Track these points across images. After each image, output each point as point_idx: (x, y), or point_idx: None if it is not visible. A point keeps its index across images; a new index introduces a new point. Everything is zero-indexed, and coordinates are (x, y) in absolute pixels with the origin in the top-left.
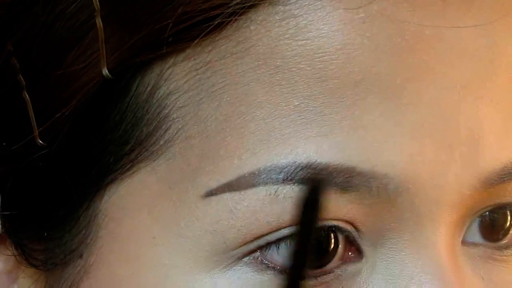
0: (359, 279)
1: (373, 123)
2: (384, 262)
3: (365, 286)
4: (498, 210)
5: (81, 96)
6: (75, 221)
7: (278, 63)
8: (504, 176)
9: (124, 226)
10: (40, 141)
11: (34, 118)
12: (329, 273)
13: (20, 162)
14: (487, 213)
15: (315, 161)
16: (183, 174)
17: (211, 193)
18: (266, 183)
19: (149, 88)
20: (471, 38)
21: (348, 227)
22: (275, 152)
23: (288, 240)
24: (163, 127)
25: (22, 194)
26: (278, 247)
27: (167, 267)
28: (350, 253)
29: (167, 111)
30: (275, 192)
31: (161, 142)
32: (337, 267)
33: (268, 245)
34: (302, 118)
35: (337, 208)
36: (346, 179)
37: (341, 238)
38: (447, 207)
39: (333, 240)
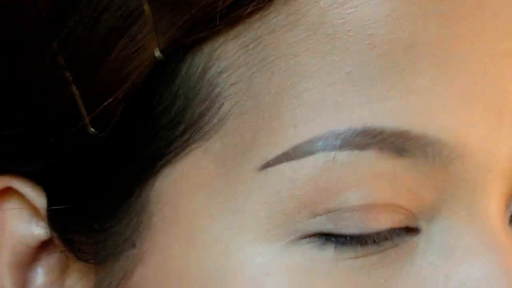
0: (415, 252)
1: (424, 88)
2: (439, 235)
3: (421, 259)
4: None
5: (132, 80)
6: (126, 210)
7: (328, 32)
8: None
9: (179, 209)
10: (92, 129)
11: (84, 108)
12: (387, 239)
13: (69, 155)
14: None
15: (370, 126)
16: (238, 150)
17: (268, 165)
18: (323, 150)
19: (200, 68)
20: None
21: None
22: (330, 119)
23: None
24: (216, 106)
25: (70, 188)
26: (337, 221)
27: (226, 243)
28: (407, 227)
29: (219, 89)
30: (333, 158)
31: (215, 121)
32: (394, 237)
33: (328, 235)
34: (355, 85)
35: (394, 175)
36: (402, 143)
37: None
38: (499, 176)
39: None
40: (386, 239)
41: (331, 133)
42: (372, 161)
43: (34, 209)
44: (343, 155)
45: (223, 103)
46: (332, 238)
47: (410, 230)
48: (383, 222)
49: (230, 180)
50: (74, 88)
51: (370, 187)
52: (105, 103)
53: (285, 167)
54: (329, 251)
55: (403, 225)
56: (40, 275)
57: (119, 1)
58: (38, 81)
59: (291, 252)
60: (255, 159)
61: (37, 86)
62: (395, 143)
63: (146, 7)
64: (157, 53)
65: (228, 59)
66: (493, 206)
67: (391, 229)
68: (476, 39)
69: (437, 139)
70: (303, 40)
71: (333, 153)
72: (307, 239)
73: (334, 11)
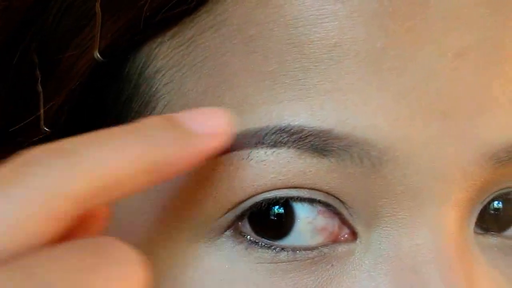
0: (351, 260)
1: (352, 87)
2: (377, 243)
3: (357, 267)
4: None
5: (78, 78)
6: None
7: (252, 32)
8: None
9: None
10: (44, 127)
11: (43, 106)
12: (314, 249)
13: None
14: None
15: (288, 124)
16: None
17: None
18: (239, 148)
19: (138, 68)
20: (468, 5)
21: (330, 200)
22: (249, 118)
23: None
24: (151, 105)
25: None
26: (250, 218)
27: (157, 242)
28: (345, 235)
29: (154, 88)
30: (248, 156)
31: None
32: (325, 245)
33: (242, 216)
34: (277, 83)
35: (317, 174)
36: (324, 142)
37: (336, 219)
38: (449, 183)
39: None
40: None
41: (248, 131)
42: (289, 160)
43: None
44: (259, 153)
45: (158, 103)
46: (249, 238)
47: (348, 234)
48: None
49: None
50: (39, 86)
51: (288, 185)
52: (54, 102)
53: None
54: (246, 246)
55: (339, 236)
56: None
57: (79, 3)
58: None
59: (213, 251)
60: None
61: (12, 81)
62: (315, 142)
63: (97, 7)
64: (96, 54)
65: (163, 60)
66: (445, 215)
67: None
68: (416, 38)
69: (363, 139)
70: (228, 40)
71: (247, 151)
72: (228, 237)
73: (259, 10)
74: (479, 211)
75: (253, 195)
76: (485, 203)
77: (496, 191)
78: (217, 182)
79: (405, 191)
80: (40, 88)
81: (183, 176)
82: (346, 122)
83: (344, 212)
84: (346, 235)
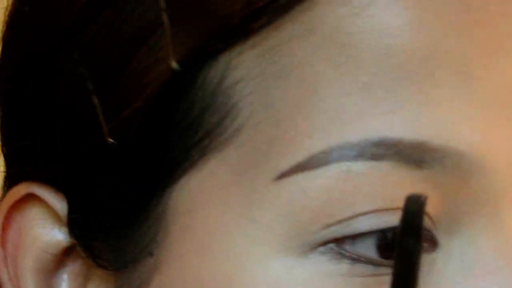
0: (433, 269)
1: (444, 98)
2: (459, 250)
3: (440, 276)
4: None
5: (150, 90)
6: (144, 219)
7: (344, 41)
8: None
9: (195, 219)
10: (110, 139)
11: (103, 118)
12: None
13: (89, 164)
14: None
15: (387, 137)
16: (254, 161)
17: (282, 175)
18: (338, 161)
19: (216, 78)
20: None
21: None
22: (346, 130)
23: (364, 235)
24: (232, 116)
25: (91, 196)
26: (354, 242)
27: (241, 255)
28: (424, 244)
29: (235, 99)
30: (347, 168)
31: (230, 131)
32: None
33: (344, 238)
34: (371, 95)
35: (412, 185)
36: (419, 154)
37: None
38: None
39: None
40: None
41: (346, 144)
42: (388, 172)
43: (56, 215)
44: (358, 166)
45: (239, 113)
46: (347, 253)
47: (428, 243)
48: None
49: (246, 191)
50: (95, 98)
51: (386, 199)
52: (123, 114)
53: (300, 178)
54: (343, 266)
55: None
56: (65, 281)
57: (139, 12)
58: (59, 90)
59: (305, 265)
60: (270, 169)
61: (58, 95)
62: (412, 154)
63: (164, 18)
64: (174, 64)
65: (244, 69)
66: None
67: None
68: (498, 47)
69: (456, 151)
70: (318, 49)
71: (348, 163)
72: (322, 250)
73: (350, 19)
74: None
75: (352, 217)
76: None
77: None
78: (315, 194)
79: (488, 199)
80: (96, 101)
81: (275, 188)
82: (441, 134)
83: (429, 222)
84: (426, 244)
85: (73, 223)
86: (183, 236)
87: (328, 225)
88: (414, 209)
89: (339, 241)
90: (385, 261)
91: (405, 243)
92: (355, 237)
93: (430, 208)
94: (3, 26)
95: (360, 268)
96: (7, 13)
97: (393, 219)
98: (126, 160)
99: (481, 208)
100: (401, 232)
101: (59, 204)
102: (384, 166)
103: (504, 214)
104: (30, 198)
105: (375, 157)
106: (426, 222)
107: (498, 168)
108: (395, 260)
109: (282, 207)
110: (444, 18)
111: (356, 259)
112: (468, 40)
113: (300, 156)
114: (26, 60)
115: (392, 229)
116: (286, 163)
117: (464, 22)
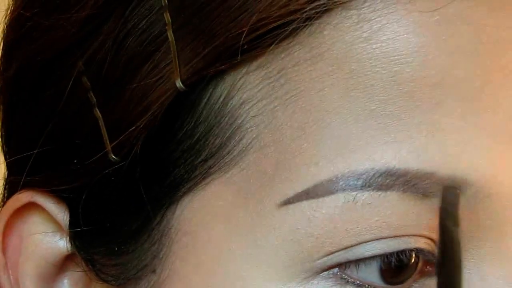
0: None
1: (452, 126)
2: (464, 274)
3: None
4: None
5: (155, 109)
6: (148, 236)
7: (353, 67)
8: None
9: (199, 239)
10: (113, 156)
11: (106, 133)
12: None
13: (92, 178)
14: None
15: (394, 167)
16: (259, 184)
17: (288, 202)
18: (344, 190)
19: (221, 99)
20: None
21: (429, 247)
22: (352, 158)
23: (367, 260)
24: (236, 137)
25: (94, 210)
26: (358, 267)
27: (244, 279)
28: (428, 267)
29: (240, 121)
30: (354, 199)
31: (235, 152)
32: (415, 280)
33: (347, 263)
34: (379, 123)
35: (419, 215)
36: (426, 185)
37: (421, 255)
38: None
39: (413, 256)
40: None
41: (353, 173)
42: (394, 203)
43: (57, 224)
44: (364, 196)
45: (244, 135)
46: (350, 279)
47: (432, 267)
48: None
49: (250, 214)
50: (97, 112)
51: (391, 228)
52: (127, 132)
53: (305, 205)
54: None
55: (426, 268)
56: (66, 287)
57: (143, 26)
58: (63, 101)
59: None
60: (276, 194)
61: (62, 106)
62: (419, 184)
63: (169, 34)
64: (179, 84)
65: (250, 91)
66: None
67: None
68: (507, 75)
69: (463, 180)
70: (326, 74)
71: (354, 193)
72: (325, 275)
73: (360, 45)
74: None
75: (356, 245)
76: None
77: None
78: (320, 222)
79: (493, 225)
80: (99, 114)
81: (279, 213)
82: (448, 164)
83: (434, 248)
84: (430, 268)
85: (75, 235)
86: (186, 256)
87: (332, 252)
88: (451, 197)
89: (342, 266)
90: (389, 287)
91: (446, 225)
92: (358, 261)
93: (436, 234)
94: (4, 28)
95: None
96: (7, 14)
97: (397, 244)
98: (129, 176)
99: (487, 234)
100: (441, 216)
101: (61, 214)
102: (391, 197)
103: (508, 241)
104: (31, 205)
105: (381, 187)
106: (431, 247)
107: (503, 196)
108: (439, 240)
109: (286, 233)
110: (453, 46)
111: (360, 285)
112: (478, 67)
113: (306, 183)
114: (27, 67)
115: (396, 253)
116: (291, 189)
117: (475, 50)
